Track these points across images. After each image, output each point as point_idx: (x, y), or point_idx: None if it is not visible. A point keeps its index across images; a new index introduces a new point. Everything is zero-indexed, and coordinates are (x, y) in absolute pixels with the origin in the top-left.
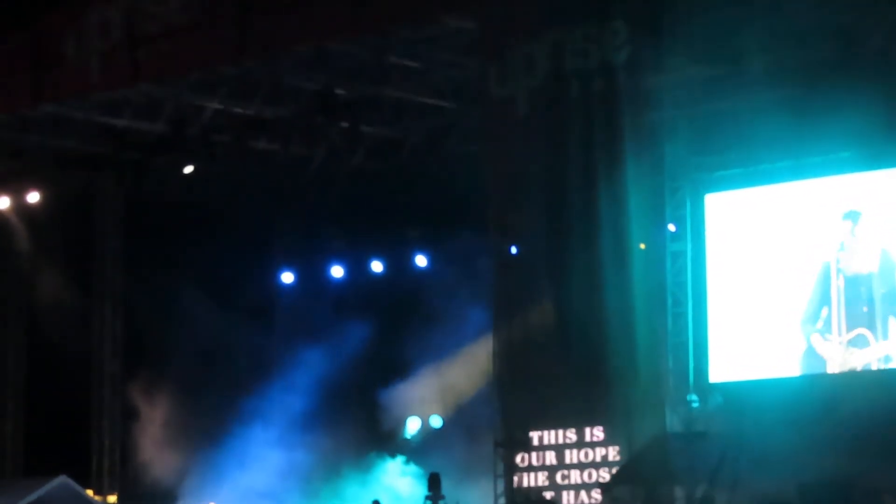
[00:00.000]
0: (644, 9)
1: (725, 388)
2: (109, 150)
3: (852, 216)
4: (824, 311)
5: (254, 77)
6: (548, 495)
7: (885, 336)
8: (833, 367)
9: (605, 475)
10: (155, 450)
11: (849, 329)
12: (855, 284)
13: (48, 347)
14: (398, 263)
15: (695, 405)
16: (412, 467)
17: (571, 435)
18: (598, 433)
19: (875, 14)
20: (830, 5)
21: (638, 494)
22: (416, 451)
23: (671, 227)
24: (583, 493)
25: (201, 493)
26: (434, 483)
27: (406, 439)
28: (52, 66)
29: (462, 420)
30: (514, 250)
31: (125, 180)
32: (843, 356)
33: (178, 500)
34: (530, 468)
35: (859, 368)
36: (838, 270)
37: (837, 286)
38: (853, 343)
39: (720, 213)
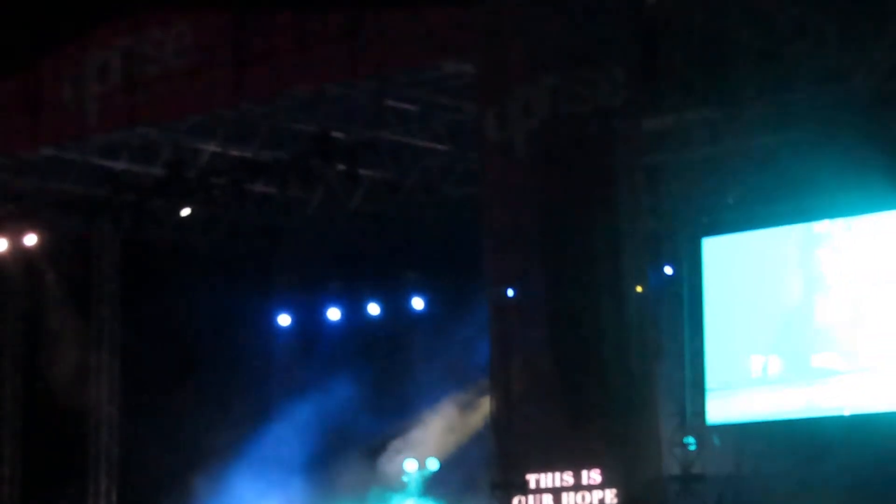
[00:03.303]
0: (641, 52)
1: (723, 430)
2: (107, 193)
3: (845, 252)
4: (818, 350)
5: (251, 120)
6: None
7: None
8: (821, 402)
9: None
10: (153, 494)
11: (835, 361)
12: (845, 318)
13: (45, 391)
14: (395, 306)
15: (692, 447)
16: None
17: (568, 477)
18: (594, 476)
19: (871, 58)
20: (827, 49)
21: None
22: (414, 493)
23: (668, 270)
24: None
25: None
26: None
27: (403, 482)
28: (50, 110)
29: (459, 463)
30: (510, 293)
31: (123, 223)
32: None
33: None
34: None
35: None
36: (833, 309)
37: (830, 325)
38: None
39: (717, 256)
